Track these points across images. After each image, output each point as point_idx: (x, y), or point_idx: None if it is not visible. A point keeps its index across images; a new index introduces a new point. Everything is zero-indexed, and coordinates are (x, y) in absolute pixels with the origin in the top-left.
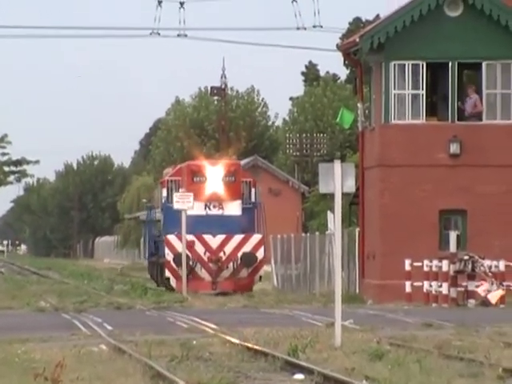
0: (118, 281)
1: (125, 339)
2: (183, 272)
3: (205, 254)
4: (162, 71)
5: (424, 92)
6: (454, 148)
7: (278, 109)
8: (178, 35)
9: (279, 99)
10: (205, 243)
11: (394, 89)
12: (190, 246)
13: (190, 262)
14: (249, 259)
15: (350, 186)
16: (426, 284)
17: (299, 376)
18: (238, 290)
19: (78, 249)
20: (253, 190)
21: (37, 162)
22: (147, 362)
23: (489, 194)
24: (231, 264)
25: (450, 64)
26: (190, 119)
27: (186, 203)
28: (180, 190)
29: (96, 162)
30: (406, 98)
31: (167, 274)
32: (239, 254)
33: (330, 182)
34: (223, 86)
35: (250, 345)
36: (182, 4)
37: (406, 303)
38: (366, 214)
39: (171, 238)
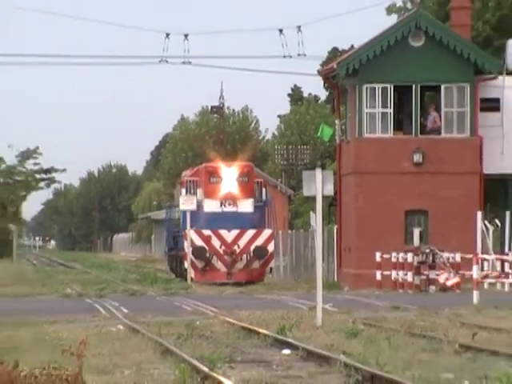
0: (133, 271)
1: (138, 320)
2: (188, 263)
3: (220, 247)
4: (169, 93)
5: (392, 110)
6: (417, 158)
7: (268, 125)
8: (183, 62)
9: (269, 117)
10: (220, 237)
11: (366, 108)
12: (207, 240)
13: (207, 255)
14: (260, 252)
15: (330, 190)
16: (393, 273)
17: (286, 351)
18: (250, 280)
19: (99, 244)
20: (263, 189)
21: (64, 170)
22: (157, 340)
23: (447, 197)
24: (244, 256)
25: (414, 86)
26: (193, 134)
27: (190, 205)
28: (198, 189)
29: (114, 171)
30: (377, 116)
31: (186, 265)
32: (252, 248)
33: (312, 187)
34: (221, 106)
35: (244, 325)
36: (186, 36)
37: (377, 289)
38: (342, 214)
39: (190, 232)
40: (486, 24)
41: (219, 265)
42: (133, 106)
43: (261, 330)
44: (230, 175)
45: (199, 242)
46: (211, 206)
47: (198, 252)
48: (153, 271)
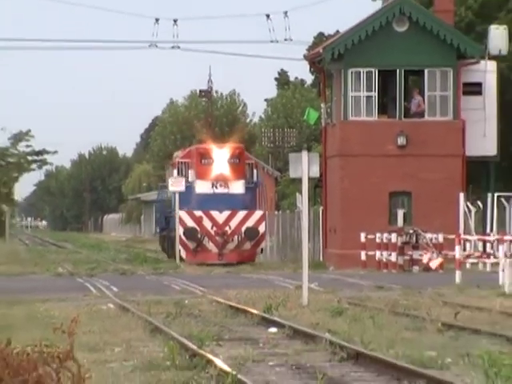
0: (123, 251)
1: (128, 299)
2: (176, 244)
3: (212, 228)
4: (159, 77)
5: (376, 94)
6: (401, 141)
7: (255, 108)
8: (172, 47)
9: (256, 100)
10: (212, 218)
11: (352, 91)
12: (198, 221)
13: (199, 236)
14: (252, 233)
15: (315, 171)
16: (378, 253)
17: (273, 329)
18: (242, 260)
19: (89, 224)
20: (255, 171)
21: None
22: (147, 318)
23: (430, 179)
24: (236, 237)
25: (398, 71)
26: (182, 117)
27: (179, 186)
28: (189, 171)
29: (104, 153)
30: (362, 99)
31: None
32: (243, 229)
33: (298, 169)
34: (210, 89)
35: (232, 304)
36: (175, 21)
37: (361, 269)
38: (328, 195)
39: (182, 213)
40: (468, 10)
41: (210, 246)
42: (123, 90)
43: (248, 309)
44: (221, 157)
45: (191, 223)
46: (203, 187)
47: (189, 233)
48: (142, 251)
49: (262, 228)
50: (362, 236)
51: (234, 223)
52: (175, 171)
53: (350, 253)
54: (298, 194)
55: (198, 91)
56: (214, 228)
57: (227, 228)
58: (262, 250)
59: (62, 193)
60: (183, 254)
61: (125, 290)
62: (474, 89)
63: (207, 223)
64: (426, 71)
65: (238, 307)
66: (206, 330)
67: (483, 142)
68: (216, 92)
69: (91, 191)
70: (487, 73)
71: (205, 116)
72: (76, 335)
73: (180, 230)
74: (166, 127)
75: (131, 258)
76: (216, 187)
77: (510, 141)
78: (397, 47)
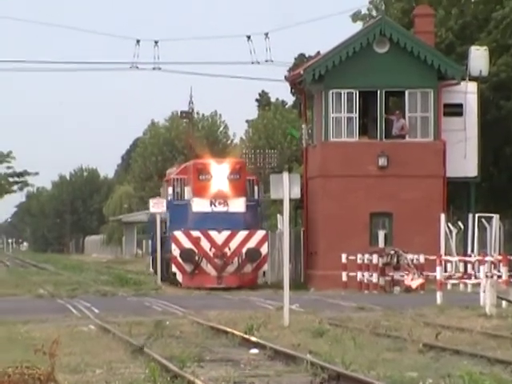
0: (104, 272)
1: (109, 320)
2: (158, 265)
3: (210, 249)
4: (140, 98)
5: (357, 115)
6: (382, 161)
7: (237, 129)
8: (153, 68)
9: (237, 121)
10: (210, 239)
11: (332, 112)
12: (196, 241)
13: (196, 258)
14: (253, 255)
15: (296, 193)
16: (359, 274)
17: (254, 350)
18: (242, 284)
19: (71, 246)
20: (256, 188)
21: (36, 173)
22: (128, 339)
23: (410, 199)
24: (236, 259)
25: (379, 92)
26: (163, 138)
27: (160, 207)
28: (186, 188)
29: (85, 174)
30: (342, 120)
31: (174, 269)
32: (244, 250)
33: (279, 190)
34: (191, 111)
35: (213, 325)
36: (156, 42)
37: (342, 290)
38: (309, 216)
39: (178, 234)
40: (449, 31)
41: (209, 268)
42: (104, 111)
43: (229, 330)
44: (220, 172)
45: (187, 244)
46: (200, 205)
47: (185, 255)
48: (123, 272)
49: (264, 249)
50: (343, 257)
51: (234, 244)
52: (170, 188)
53: (331, 274)
54: (279, 215)
55: (179, 112)
56: (213, 249)
57: (227, 249)
58: (264, 273)
59: (43, 214)
60: (179, 277)
61: (106, 311)
62: (455, 110)
63: (205, 244)
64: (406, 92)
65: (219, 328)
66: (187, 351)
67: (464, 163)
68: (197, 113)
69: (72, 212)
70: (468, 94)
71: (186, 137)
72: (57, 356)
73: (176, 252)
74: (147, 148)
75: (112, 279)
76: (215, 205)
77: (491, 162)
78: (377, 68)
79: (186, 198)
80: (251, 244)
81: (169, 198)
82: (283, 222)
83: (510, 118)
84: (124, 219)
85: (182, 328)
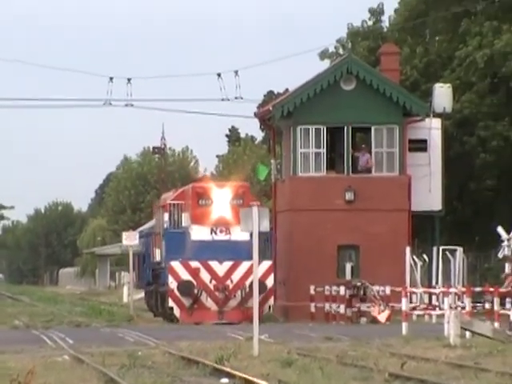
0: (78, 304)
1: (83, 351)
2: (130, 297)
3: (211, 281)
4: (113, 134)
5: (324, 150)
6: (349, 195)
7: (207, 164)
8: (126, 105)
9: (208, 156)
10: (211, 270)
11: (301, 148)
12: (195, 273)
13: (195, 291)
14: (258, 287)
15: (266, 226)
16: (326, 305)
17: (224, 380)
18: (245, 320)
19: (45, 278)
20: None
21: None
22: (101, 370)
23: (377, 232)
24: (239, 292)
25: (346, 128)
26: (135, 173)
27: (132, 241)
28: (183, 214)
29: (60, 208)
30: (310, 156)
31: (170, 303)
32: (247, 282)
33: (249, 223)
34: (163, 146)
35: (184, 355)
36: (129, 80)
37: (310, 321)
38: (278, 249)
39: (175, 264)
40: (413, 69)
41: (209, 302)
42: (77, 146)
43: (200, 360)
44: (222, 197)
45: (185, 276)
46: (200, 233)
47: (184, 287)
48: (97, 304)
49: (269, 281)
50: (311, 288)
51: (236, 276)
52: (166, 215)
53: (300, 305)
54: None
55: (151, 148)
56: (214, 281)
57: (229, 281)
58: (270, 307)
59: (19, 247)
60: (177, 312)
61: (80, 342)
62: (420, 145)
63: (205, 276)
64: (372, 128)
65: (190, 358)
66: (159, 380)
67: (428, 197)
68: (169, 149)
69: (47, 245)
70: (432, 130)
71: (158, 172)
72: None
73: (173, 284)
74: (120, 183)
75: (86, 310)
76: (215, 233)
77: (455, 196)
78: (344, 105)
79: (183, 225)
80: None
81: (165, 226)
82: (253, 254)
83: (474, 153)
84: (97, 252)
85: (154, 358)
